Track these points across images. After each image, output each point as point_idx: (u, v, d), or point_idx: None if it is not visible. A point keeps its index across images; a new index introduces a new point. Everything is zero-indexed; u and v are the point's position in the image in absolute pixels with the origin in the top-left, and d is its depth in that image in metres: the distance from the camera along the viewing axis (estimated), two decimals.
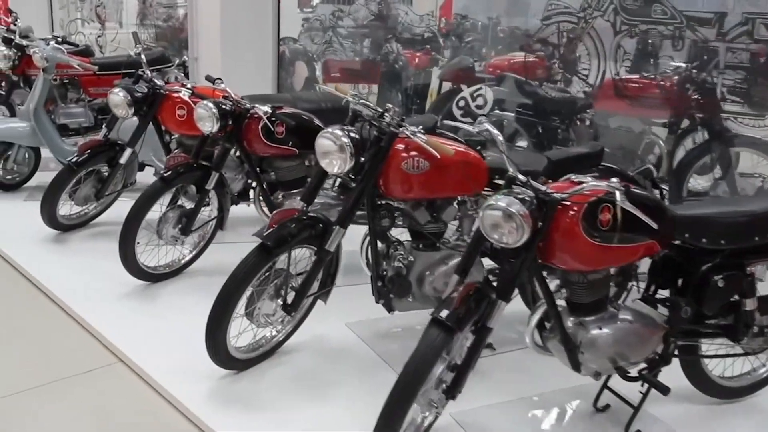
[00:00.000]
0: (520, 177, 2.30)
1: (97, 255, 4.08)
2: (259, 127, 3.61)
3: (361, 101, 2.91)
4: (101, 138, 4.32)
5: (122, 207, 4.59)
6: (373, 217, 2.93)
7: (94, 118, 5.76)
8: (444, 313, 2.16)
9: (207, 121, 3.52)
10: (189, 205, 3.75)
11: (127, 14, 8.48)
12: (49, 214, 4.21)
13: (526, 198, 2.19)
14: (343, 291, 3.19)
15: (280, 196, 3.82)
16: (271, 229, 2.71)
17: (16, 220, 4.59)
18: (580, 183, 2.28)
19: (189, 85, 4.12)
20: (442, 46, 6.54)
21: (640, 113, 4.20)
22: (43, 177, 5.39)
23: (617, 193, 2.16)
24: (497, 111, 4.74)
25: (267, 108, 3.56)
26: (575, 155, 3.15)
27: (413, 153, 2.80)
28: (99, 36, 8.34)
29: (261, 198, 3.86)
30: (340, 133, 2.72)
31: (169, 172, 3.54)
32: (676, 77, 4.01)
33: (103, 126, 4.41)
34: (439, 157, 2.70)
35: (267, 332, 3.03)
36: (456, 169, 2.89)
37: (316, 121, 3.79)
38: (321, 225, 2.82)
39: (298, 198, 3.74)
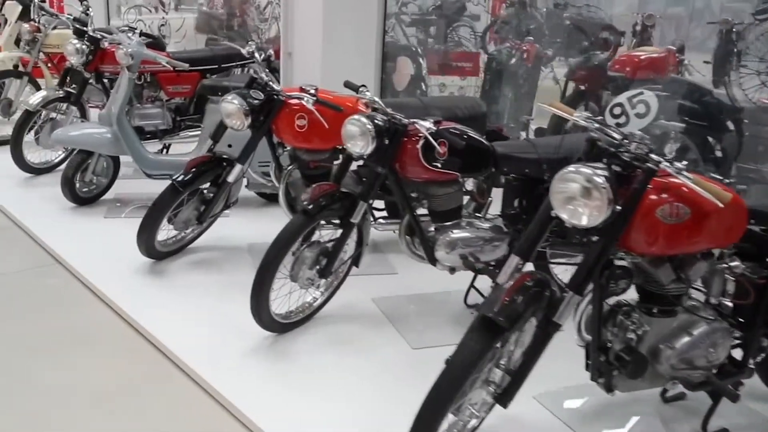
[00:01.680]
0: None
1: (205, 293, 3.45)
2: (419, 146, 2.93)
3: (597, 125, 2.22)
4: (207, 153, 3.67)
5: (216, 227, 4.00)
6: (607, 277, 2.24)
7: (172, 119, 5.15)
8: None
9: (360, 140, 2.84)
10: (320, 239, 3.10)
11: None
12: (147, 244, 3.58)
13: None
14: None
15: (431, 229, 3.15)
16: (502, 303, 2.03)
17: (103, 246, 3.97)
18: None
19: (312, 90, 3.46)
20: (546, 36, 5.82)
21: None
22: (120, 187, 4.78)
23: None
24: (662, 121, 4.01)
25: (429, 124, 2.88)
26: None
27: (668, 196, 2.11)
28: (162, 25, 7.68)
29: (407, 234, 3.18)
30: (589, 171, 2.02)
31: (312, 205, 2.88)
32: None
33: (207, 138, 3.77)
34: (721, 205, 2.00)
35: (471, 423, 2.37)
36: (720, 216, 2.19)
37: (476, 136, 3.11)
38: (549, 290, 2.14)
39: (460, 236, 3.10)
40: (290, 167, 3.70)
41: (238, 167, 3.59)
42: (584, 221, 2.05)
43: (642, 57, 5.08)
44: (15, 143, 4.85)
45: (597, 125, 2.23)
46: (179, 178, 3.47)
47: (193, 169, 3.52)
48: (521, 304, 2.04)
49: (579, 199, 2.03)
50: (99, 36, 4.84)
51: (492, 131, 3.89)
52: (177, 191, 3.47)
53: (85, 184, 4.52)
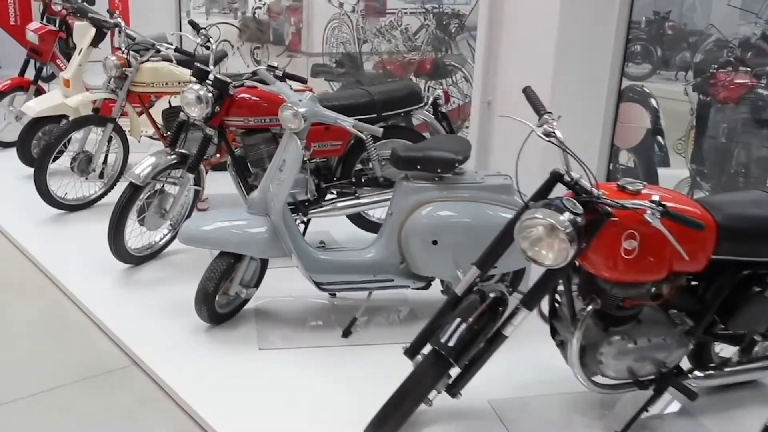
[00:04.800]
0: None
1: None
2: None
3: None
4: (468, 289, 2.33)
5: None
6: None
7: (316, 186, 3.84)
8: None
9: None
10: None
11: None
12: None
13: None
14: None
15: None
16: None
17: (272, 406, 2.63)
18: None
19: (654, 195, 2.13)
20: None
21: None
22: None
23: None
24: None
25: None
26: None
27: None
28: (257, 47, 6.32)
29: None
30: None
31: None
32: None
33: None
34: None
35: None
36: None
37: None
38: None
39: None
40: (588, 308, 2.36)
41: (523, 314, 2.26)
42: None
43: None
44: (116, 228, 3.49)
45: None
46: (449, 342, 2.12)
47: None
48: None
49: None
50: (228, 80, 3.52)
51: None
52: (445, 363, 2.13)
53: (225, 297, 3.17)
